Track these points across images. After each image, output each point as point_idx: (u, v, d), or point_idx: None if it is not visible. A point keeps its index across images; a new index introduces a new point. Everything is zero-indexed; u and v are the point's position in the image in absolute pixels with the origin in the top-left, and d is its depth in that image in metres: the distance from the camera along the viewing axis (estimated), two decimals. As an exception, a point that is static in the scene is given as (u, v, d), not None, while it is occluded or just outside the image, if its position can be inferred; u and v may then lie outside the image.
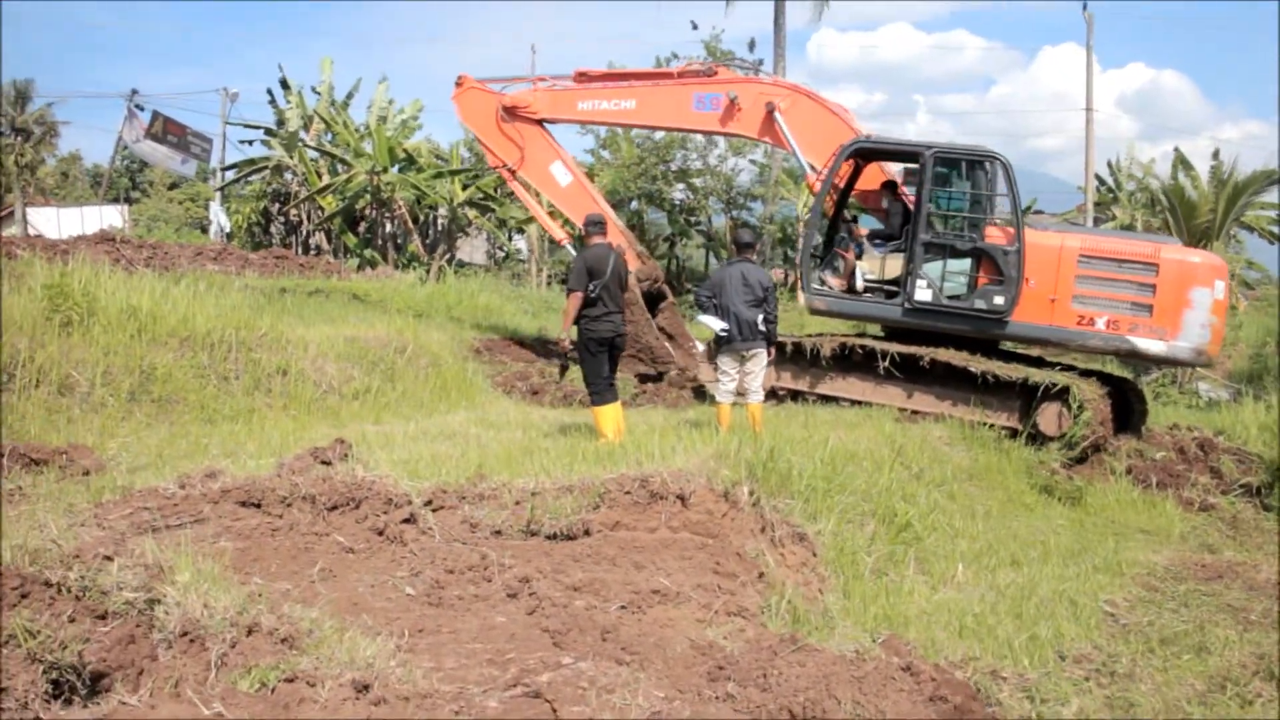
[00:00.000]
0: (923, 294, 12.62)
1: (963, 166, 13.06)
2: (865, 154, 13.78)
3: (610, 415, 9.36)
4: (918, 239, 12.64)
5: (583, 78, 15.57)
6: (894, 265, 13.26)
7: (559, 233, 16.89)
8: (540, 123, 15.61)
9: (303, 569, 4.95)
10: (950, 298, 12.60)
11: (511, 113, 15.40)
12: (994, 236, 12.53)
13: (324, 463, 6.04)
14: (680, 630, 4.73)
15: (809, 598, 5.90)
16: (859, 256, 13.60)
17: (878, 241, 13.91)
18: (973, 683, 4.52)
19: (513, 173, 15.83)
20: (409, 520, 5.55)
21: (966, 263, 12.64)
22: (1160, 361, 13.84)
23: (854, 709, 3.79)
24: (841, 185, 14.08)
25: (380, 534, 5.45)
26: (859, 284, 13.32)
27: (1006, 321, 12.33)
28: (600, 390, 9.42)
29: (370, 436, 9.00)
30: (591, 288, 9.24)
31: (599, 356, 9.44)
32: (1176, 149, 33.75)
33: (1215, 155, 31.96)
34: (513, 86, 15.78)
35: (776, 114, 14.05)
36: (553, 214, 18.58)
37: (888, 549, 7.01)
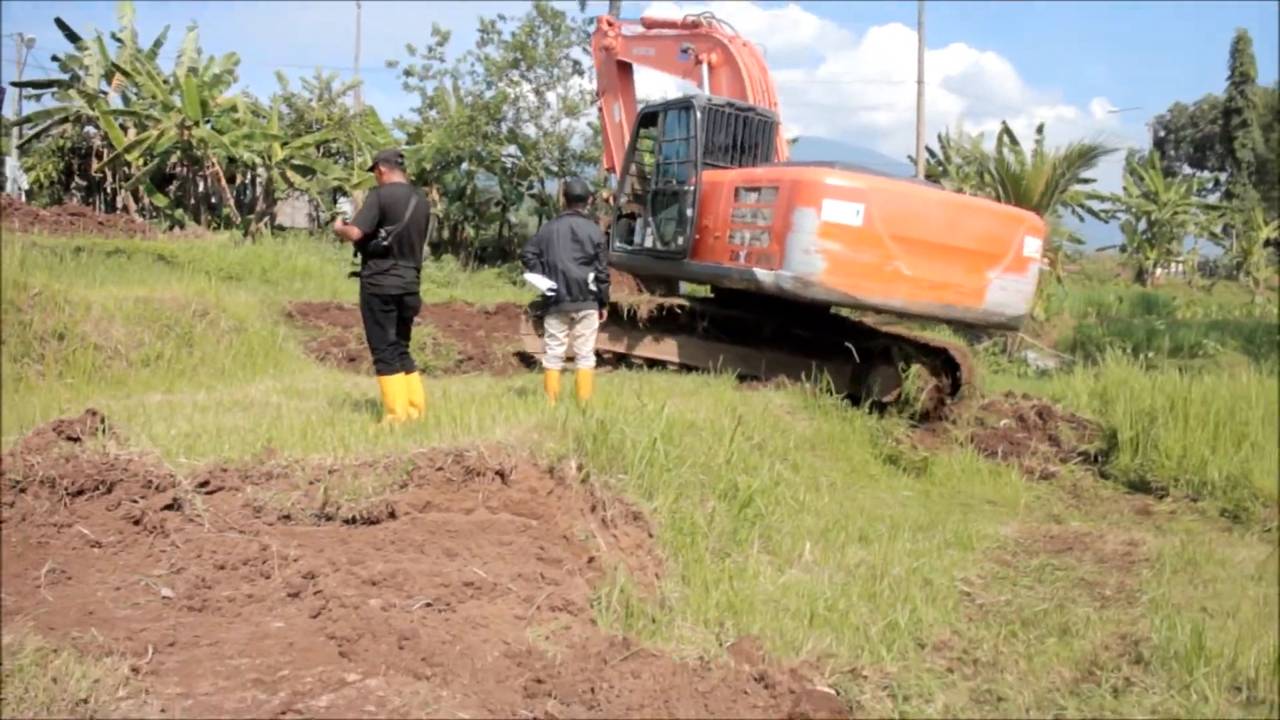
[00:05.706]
0: (649, 240, 13.37)
1: (672, 116, 13.48)
2: (647, 119, 14.27)
3: (400, 386, 8.10)
4: (648, 189, 13.57)
5: (643, 23, 17.44)
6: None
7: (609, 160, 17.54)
8: (620, 63, 17.17)
9: (29, 570, 4.01)
10: (664, 242, 13.10)
11: (607, 50, 17.19)
12: (692, 180, 12.62)
13: (70, 439, 5.03)
14: (495, 631, 4.02)
15: (645, 584, 5.26)
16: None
17: None
18: (834, 687, 3.94)
19: (599, 98, 17.90)
20: (172, 506, 4.62)
21: (674, 208, 13.00)
22: (777, 295, 11.27)
23: (699, 731, 3.14)
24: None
25: (136, 524, 4.50)
26: (630, 237, 14.16)
27: (685, 261, 12.54)
28: (387, 357, 8.11)
29: (152, 407, 7.92)
30: (383, 234, 7.90)
31: (385, 316, 8.11)
32: (1004, 123, 34.40)
33: (1039, 130, 32.69)
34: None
35: (703, 65, 14.33)
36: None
37: (730, 527, 6.43)
